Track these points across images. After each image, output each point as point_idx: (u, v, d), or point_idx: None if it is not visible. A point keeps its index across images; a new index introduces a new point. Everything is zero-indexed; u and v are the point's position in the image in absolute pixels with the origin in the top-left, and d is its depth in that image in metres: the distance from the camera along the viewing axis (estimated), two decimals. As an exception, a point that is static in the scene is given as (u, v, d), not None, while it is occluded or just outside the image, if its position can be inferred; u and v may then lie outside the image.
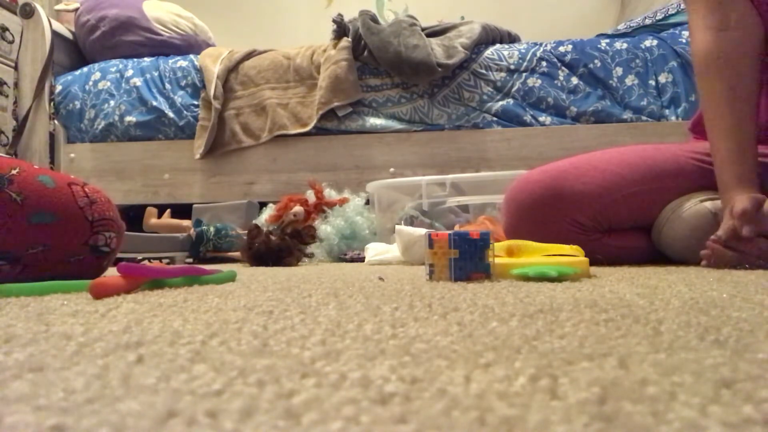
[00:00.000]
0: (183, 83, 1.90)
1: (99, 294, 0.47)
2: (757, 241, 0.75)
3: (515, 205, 0.96)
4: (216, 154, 1.87)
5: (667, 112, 1.68)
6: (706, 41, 0.84)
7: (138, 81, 1.91)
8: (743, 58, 0.83)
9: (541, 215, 0.92)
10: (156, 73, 1.92)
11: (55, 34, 1.97)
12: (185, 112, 1.88)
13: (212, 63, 1.90)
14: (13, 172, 0.60)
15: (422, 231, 1.05)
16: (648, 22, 1.85)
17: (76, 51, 2.14)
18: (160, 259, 1.35)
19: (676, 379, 0.20)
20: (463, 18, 2.55)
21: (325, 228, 1.40)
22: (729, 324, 0.30)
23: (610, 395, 0.18)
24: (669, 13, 1.82)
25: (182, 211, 1.76)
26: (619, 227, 0.94)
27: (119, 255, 1.20)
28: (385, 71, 1.82)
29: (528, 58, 1.78)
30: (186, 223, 1.65)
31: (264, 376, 0.20)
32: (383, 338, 0.28)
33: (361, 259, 1.31)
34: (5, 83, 1.90)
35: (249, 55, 1.94)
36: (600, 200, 0.91)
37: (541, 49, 1.79)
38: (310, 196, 1.54)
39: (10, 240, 0.58)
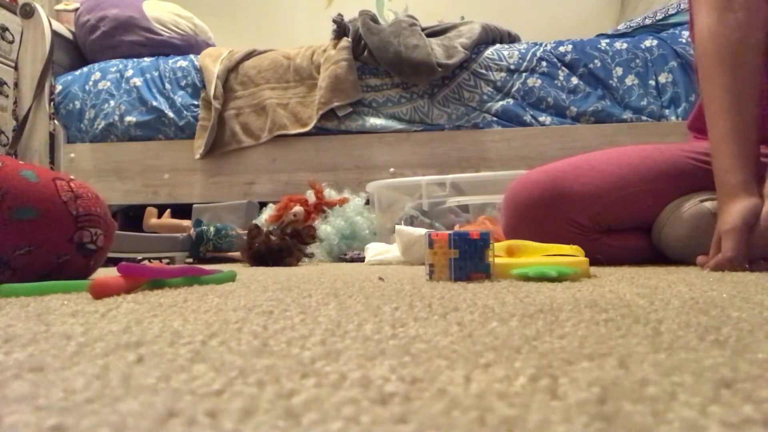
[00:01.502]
0: (183, 83, 1.90)
1: (99, 294, 0.47)
2: (757, 265, 0.72)
3: (514, 206, 0.96)
4: (216, 154, 1.87)
5: (667, 112, 1.68)
6: (709, 22, 0.82)
7: (138, 81, 1.91)
8: (746, 41, 0.80)
9: (540, 216, 0.92)
10: (156, 73, 1.92)
11: (55, 34, 1.97)
12: (185, 112, 1.88)
13: (212, 63, 1.90)
14: None
15: (422, 231, 1.05)
16: (648, 22, 1.85)
17: (76, 51, 2.14)
18: (160, 259, 1.35)
19: (676, 379, 0.20)
20: (463, 18, 2.55)
21: (325, 228, 1.40)
22: (729, 324, 0.30)
23: (610, 395, 0.18)
24: (669, 13, 1.82)
25: (182, 211, 1.76)
26: (619, 228, 0.94)
27: (119, 255, 1.21)
28: (385, 71, 1.82)
29: (528, 58, 1.78)
30: (186, 223, 1.65)
31: (264, 376, 0.20)
32: (383, 338, 0.28)
33: (361, 259, 1.31)
34: (5, 83, 1.90)
35: (249, 55, 1.94)
36: (599, 201, 0.91)
37: (541, 49, 1.79)
38: (310, 196, 1.54)
39: None
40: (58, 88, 1.96)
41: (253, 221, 1.43)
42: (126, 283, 0.51)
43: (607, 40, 1.78)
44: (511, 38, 1.95)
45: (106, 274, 0.55)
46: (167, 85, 1.90)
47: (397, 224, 1.20)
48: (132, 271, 0.52)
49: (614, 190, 0.91)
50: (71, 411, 0.17)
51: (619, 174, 0.91)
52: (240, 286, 0.58)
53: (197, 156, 1.85)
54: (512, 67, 1.78)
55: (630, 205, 0.91)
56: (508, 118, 1.76)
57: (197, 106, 1.88)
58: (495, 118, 1.77)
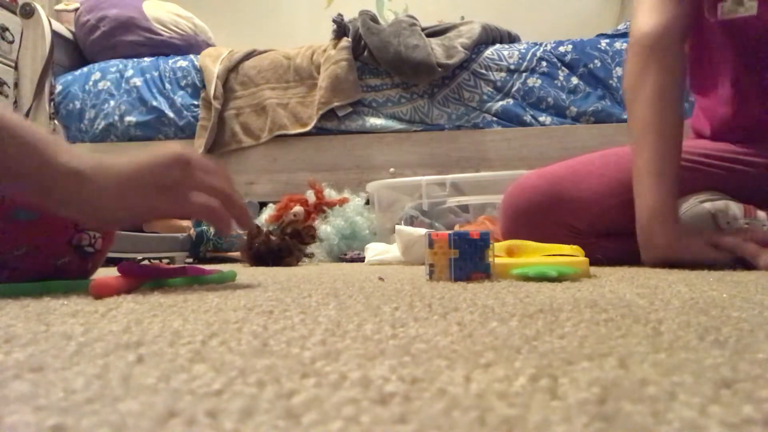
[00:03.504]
0: (183, 83, 1.90)
1: (100, 293, 0.47)
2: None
3: (512, 211, 0.95)
4: (216, 154, 1.87)
5: (667, 112, 1.68)
6: (653, 21, 0.82)
7: (138, 81, 1.91)
8: (682, 45, 0.82)
9: (537, 221, 0.92)
10: (156, 73, 1.92)
11: (55, 34, 1.97)
12: (185, 112, 1.88)
13: (212, 63, 1.90)
14: None
15: (422, 231, 1.05)
16: (648, 22, 1.85)
17: (76, 51, 2.15)
18: (160, 259, 1.35)
19: (676, 379, 0.20)
20: (463, 18, 2.55)
21: (325, 228, 1.40)
22: (729, 324, 0.30)
23: (610, 395, 0.18)
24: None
25: (182, 211, 1.76)
26: (617, 232, 0.94)
27: (119, 255, 1.21)
28: (385, 71, 1.82)
29: (528, 58, 1.78)
30: (186, 223, 1.65)
31: (264, 376, 0.20)
32: (383, 338, 0.28)
33: (361, 259, 1.31)
34: (5, 83, 1.90)
35: (249, 55, 1.94)
36: (597, 206, 0.90)
37: (541, 49, 1.79)
38: (310, 196, 1.54)
39: None
40: (58, 88, 1.96)
41: (253, 221, 1.43)
42: (126, 282, 0.51)
43: (607, 40, 1.78)
44: (511, 38, 1.95)
45: (105, 274, 0.55)
46: (167, 85, 1.90)
47: (397, 224, 1.20)
48: (132, 270, 0.52)
49: (612, 196, 0.90)
50: (71, 411, 0.17)
51: (617, 179, 0.91)
52: (240, 286, 0.58)
53: (197, 156, 1.85)
54: (512, 67, 1.78)
55: (628, 209, 0.90)
56: (508, 118, 1.76)
57: (197, 106, 1.88)
58: (495, 118, 1.77)
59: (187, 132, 1.88)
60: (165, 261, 1.36)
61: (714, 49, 0.89)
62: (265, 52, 1.96)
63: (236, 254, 1.39)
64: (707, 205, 0.85)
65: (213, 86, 1.84)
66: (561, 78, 1.75)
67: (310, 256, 1.30)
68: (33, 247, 0.60)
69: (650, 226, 0.78)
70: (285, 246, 1.18)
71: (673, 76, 0.80)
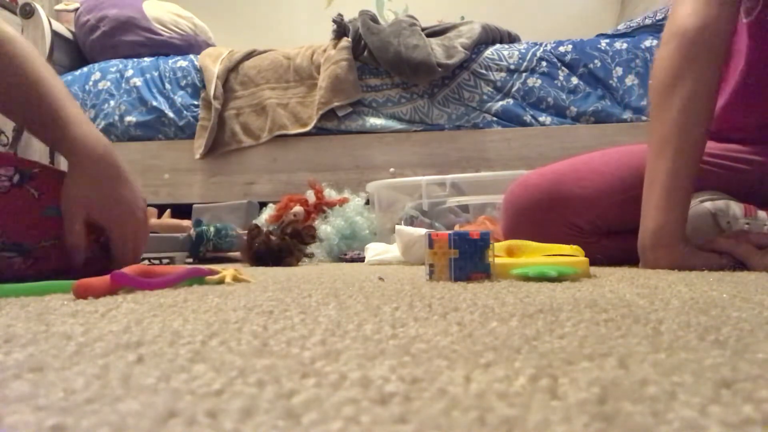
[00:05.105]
0: (183, 83, 1.90)
1: (82, 294, 0.47)
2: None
3: (513, 209, 0.95)
4: (216, 154, 1.87)
5: (667, 112, 1.68)
6: (702, 13, 0.78)
7: (138, 81, 1.91)
8: (720, 35, 0.78)
9: (539, 219, 0.92)
10: (156, 73, 1.92)
11: (55, 34, 1.97)
12: (185, 112, 1.88)
13: (212, 63, 1.90)
14: (35, 170, 0.65)
15: (422, 231, 1.05)
16: (648, 22, 1.85)
17: (76, 51, 2.14)
18: (160, 259, 1.35)
19: (676, 379, 0.20)
20: (463, 18, 2.55)
21: (325, 228, 1.40)
22: (729, 324, 0.30)
23: (610, 395, 0.18)
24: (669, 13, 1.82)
25: (182, 211, 1.76)
26: (619, 230, 0.94)
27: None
28: (385, 71, 1.82)
29: (528, 58, 1.78)
30: (186, 223, 1.65)
31: (264, 376, 0.20)
32: (383, 338, 0.28)
33: (361, 259, 1.31)
34: (5, 83, 1.89)
35: (249, 55, 1.94)
36: (599, 204, 0.90)
37: (541, 49, 1.79)
38: (310, 196, 1.54)
39: (23, 231, 0.62)
40: (58, 88, 1.95)
41: (253, 221, 1.43)
42: (109, 284, 0.50)
43: (607, 40, 1.78)
44: (511, 38, 1.95)
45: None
46: (167, 85, 1.90)
47: (397, 224, 1.20)
48: (125, 281, 0.51)
49: (614, 193, 0.90)
50: (71, 411, 0.17)
51: (618, 176, 0.91)
52: (240, 286, 0.58)
53: (197, 156, 1.85)
54: (512, 67, 1.78)
55: (630, 207, 0.90)
56: (508, 118, 1.76)
57: (197, 106, 1.88)
58: (495, 118, 1.77)
59: (186, 132, 1.88)
60: (165, 261, 1.36)
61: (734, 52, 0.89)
62: (265, 52, 1.96)
63: (236, 254, 1.39)
64: (707, 205, 0.85)
65: (213, 86, 1.84)
66: (561, 78, 1.75)
67: (310, 256, 1.30)
68: (59, 239, 0.64)
69: (654, 249, 0.77)
70: (285, 246, 1.17)
71: (708, 85, 0.77)
